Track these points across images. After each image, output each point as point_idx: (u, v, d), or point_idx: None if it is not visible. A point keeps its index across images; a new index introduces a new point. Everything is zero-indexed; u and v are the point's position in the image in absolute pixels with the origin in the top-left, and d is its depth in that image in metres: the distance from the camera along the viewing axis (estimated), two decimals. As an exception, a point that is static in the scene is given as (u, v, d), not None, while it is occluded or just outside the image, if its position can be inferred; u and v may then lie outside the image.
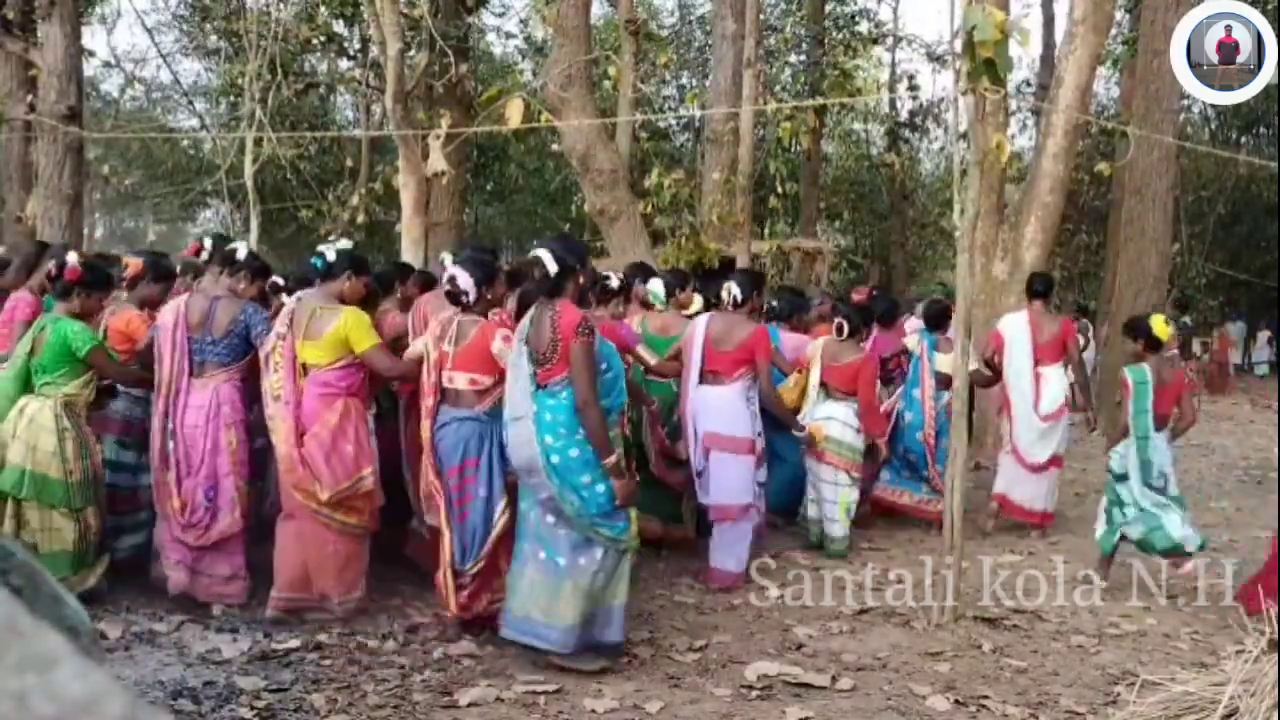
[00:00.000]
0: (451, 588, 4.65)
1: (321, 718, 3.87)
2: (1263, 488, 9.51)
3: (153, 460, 5.10)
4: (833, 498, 6.50)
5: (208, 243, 6.06)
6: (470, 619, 4.74)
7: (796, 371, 6.85)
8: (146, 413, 5.25)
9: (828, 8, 19.98)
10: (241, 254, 5.32)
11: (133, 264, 5.78)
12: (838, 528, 6.50)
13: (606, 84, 14.39)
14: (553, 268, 4.41)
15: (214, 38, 17.61)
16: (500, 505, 4.65)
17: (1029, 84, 22.22)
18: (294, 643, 4.64)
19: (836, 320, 6.79)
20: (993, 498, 7.46)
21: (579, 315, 4.41)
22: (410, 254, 9.61)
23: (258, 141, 11.05)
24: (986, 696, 4.27)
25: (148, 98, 22.06)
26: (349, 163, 17.45)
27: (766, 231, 16.62)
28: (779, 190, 13.67)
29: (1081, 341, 8.42)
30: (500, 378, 4.64)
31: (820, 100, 15.74)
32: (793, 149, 16.59)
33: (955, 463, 5.26)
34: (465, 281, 4.74)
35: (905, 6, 29.50)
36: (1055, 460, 7.43)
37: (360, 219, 13.93)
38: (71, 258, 5.12)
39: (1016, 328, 7.40)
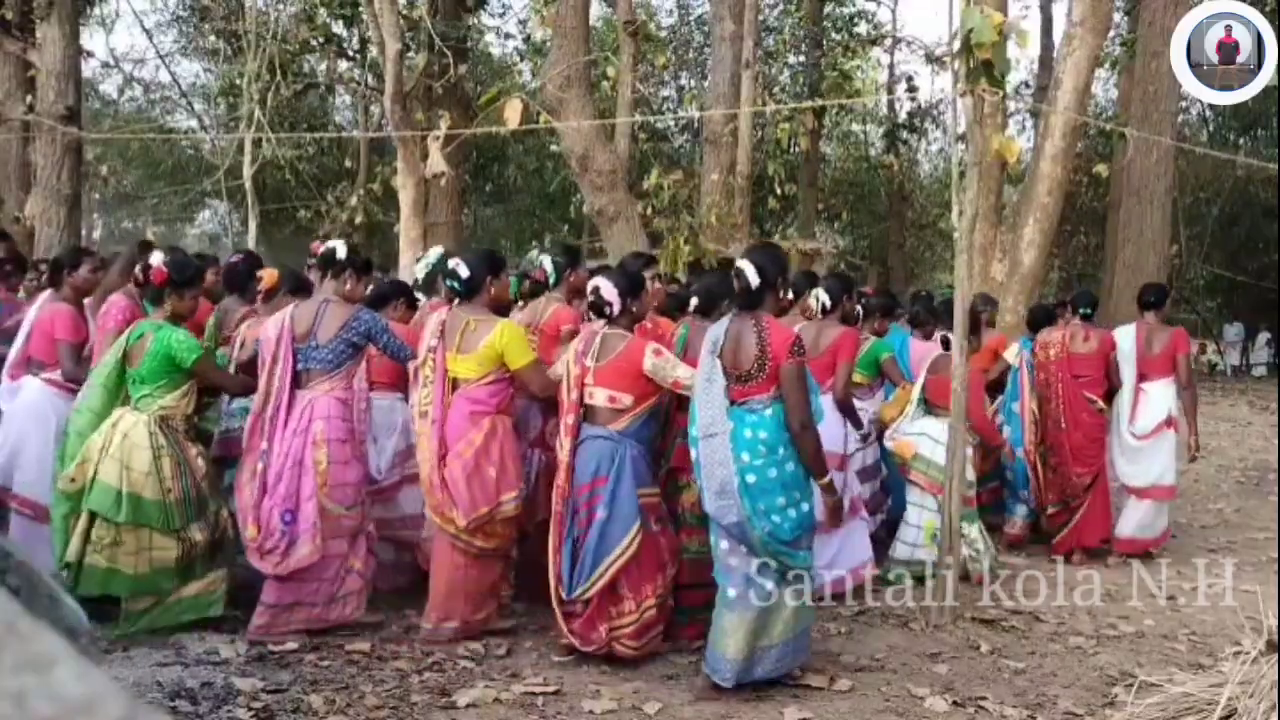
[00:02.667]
0: (560, 616, 4.42)
1: (319, 718, 3.87)
2: (1261, 489, 9.52)
3: (239, 481, 4.78)
4: (917, 521, 6.00)
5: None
6: (592, 650, 4.43)
7: (901, 387, 6.38)
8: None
9: (826, 9, 20.02)
10: (341, 253, 4.93)
11: (268, 275, 5.55)
12: (923, 552, 5.90)
13: (605, 85, 14.40)
14: (755, 280, 4.17)
15: (213, 38, 17.63)
16: (630, 529, 4.34)
17: (1027, 85, 22.25)
18: (292, 644, 4.64)
19: (941, 334, 6.20)
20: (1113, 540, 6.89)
21: (792, 334, 4.18)
22: (408, 255, 9.63)
23: (257, 142, 11.06)
24: (984, 698, 4.27)
25: (146, 98, 22.05)
26: (348, 163, 17.49)
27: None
28: (777, 191, 13.69)
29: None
30: (642, 398, 4.46)
31: (819, 102, 15.76)
32: (791, 150, 16.63)
33: (954, 463, 5.26)
34: (609, 292, 4.49)
35: (904, 8, 29.51)
36: (1165, 490, 6.83)
37: (359, 220, 13.96)
38: (156, 258, 4.77)
39: (1124, 339, 6.93)
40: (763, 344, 4.11)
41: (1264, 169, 16.71)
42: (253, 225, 11.24)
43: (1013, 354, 7.09)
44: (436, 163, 9.55)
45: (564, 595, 4.41)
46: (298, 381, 4.80)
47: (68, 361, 5.27)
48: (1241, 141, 22.39)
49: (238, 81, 13.34)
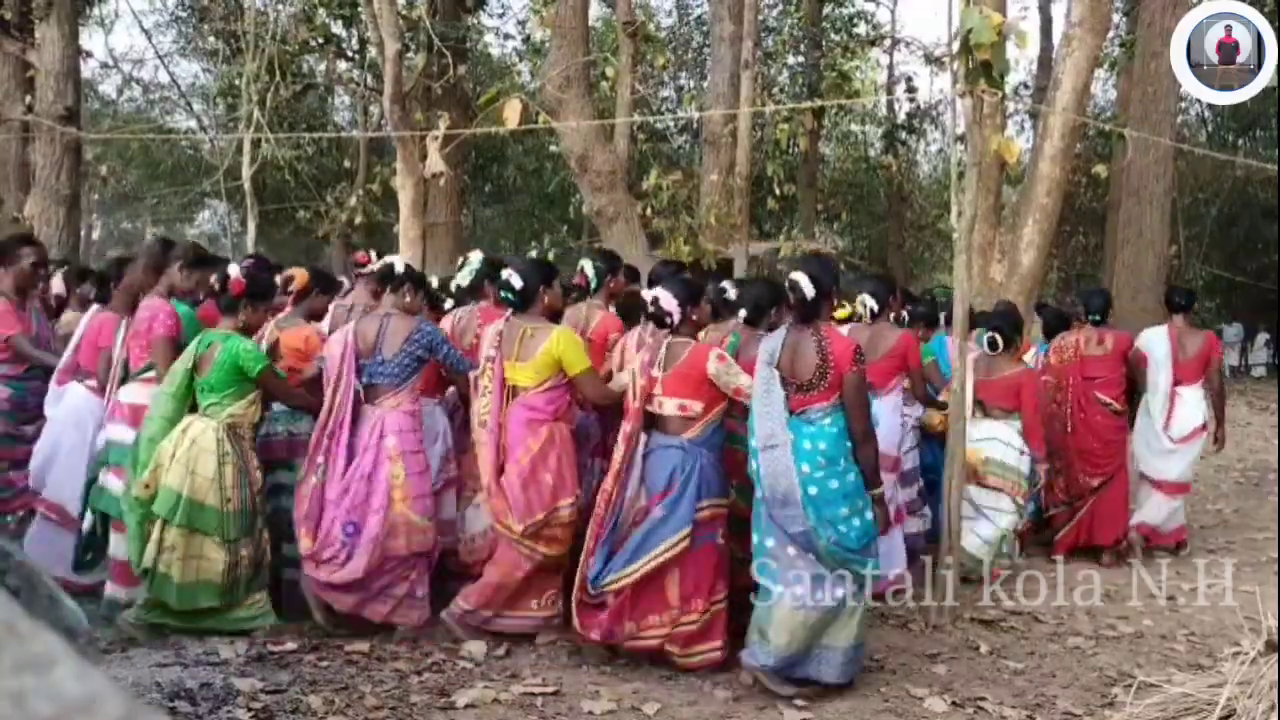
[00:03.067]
0: (577, 609, 4.45)
1: (319, 719, 3.87)
2: (1260, 489, 9.51)
3: (299, 492, 4.82)
4: (991, 522, 6.03)
5: (373, 256, 6.01)
6: (612, 641, 4.47)
7: (946, 390, 6.31)
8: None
9: (825, 10, 20.01)
10: (399, 268, 5.03)
11: (299, 276, 5.55)
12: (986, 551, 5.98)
13: (604, 85, 14.39)
14: (810, 292, 4.22)
15: (212, 39, 17.63)
16: (680, 531, 4.33)
17: (1026, 86, 22.25)
18: (291, 644, 4.64)
19: (988, 335, 6.26)
20: (1132, 528, 6.94)
21: (853, 344, 4.25)
22: (408, 255, 9.62)
23: (256, 143, 11.06)
24: (983, 698, 4.28)
25: (145, 99, 22.04)
26: (347, 164, 17.47)
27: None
28: (777, 192, 13.69)
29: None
30: (711, 404, 4.45)
31: (818, 102, 15.77)
32: (790, 150, 16.62)
33: (953, 465, 5.26)
34: (669, 303, 4.51)
35: (903, 9, 29.52)
36: (1182, 485, 6.98)
37: (358, 220, 13.95)
38: (234, 269, 4.80)
39: (1158, 344, 6.98)
40: (824, 354, 4.16)
41: (1263, 169, 16.72)
42: (252, 226, 11.25)
43: (1030, 357, 7.17)
44: (435, 163, 9.54)
45: (589, 588, 4.39)
46: (363, 397, 4.84)
47: (106, 369, 5.26)
48: (1240, 142, 22.39)
49: (237, 82, 13.33)
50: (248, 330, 4.80)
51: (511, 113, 8.32)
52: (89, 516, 4.99)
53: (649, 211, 10.88)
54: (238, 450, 4.66)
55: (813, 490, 4.06)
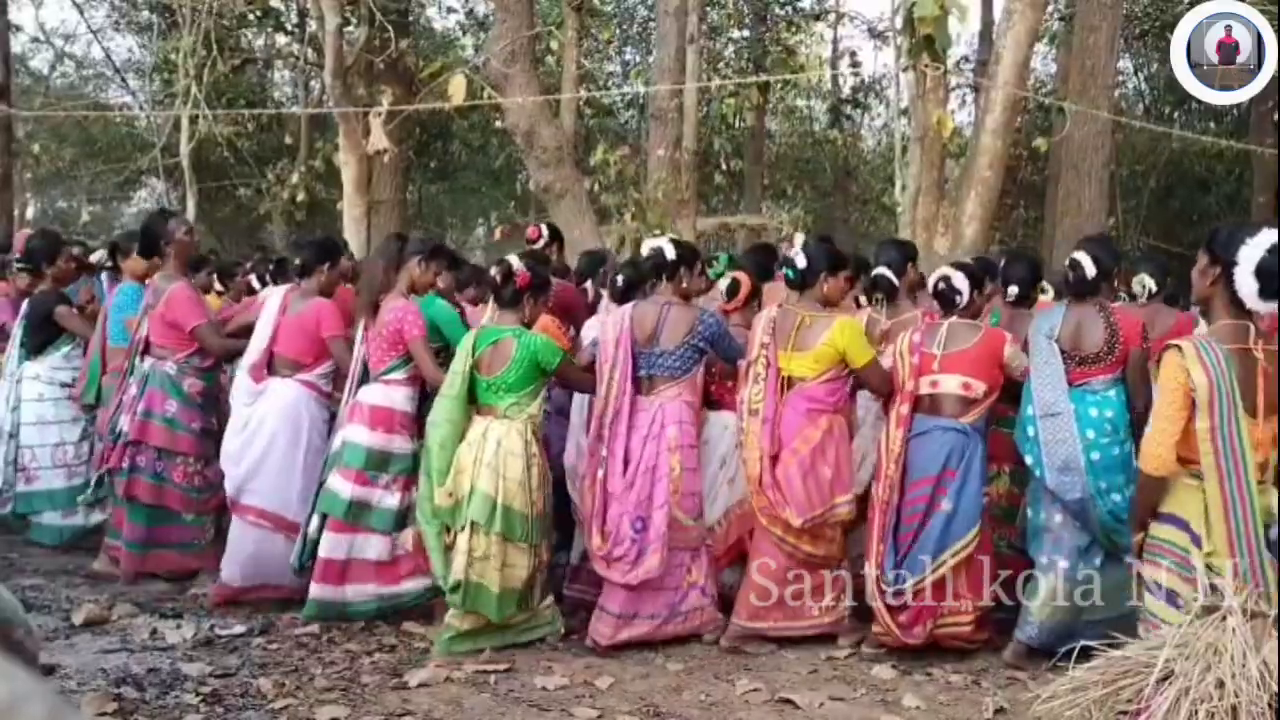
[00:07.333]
0: (883, 608, 4.28)
1: (269, 702, 3.84)
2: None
3: (581, 488, 4.68)
4: None
5: (545, 229, 5.82)
6: (910, 643, 4.34)
7: None
8: (561, 432, 5.00)
9: (770, -17, 19.98)
10: (671, 254, 4.69)
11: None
12: None
13: (550, 60, 14.27)
14: (1091, 271, 4.39)
15: (146, 12, 17.22)
16: (974, 526, 4.30)
17: (968, 60, 22.41)
18: (239, 628, 4.60)
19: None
20: None
21: (1139, 320, 4.44)
22: (351, 233, 9.51)
23: (193, 119, 10.85)
24: (930, 665, 4.35)
25: (79, 74, 21.49)
26: (288, 140, 17.18)
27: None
28: (724, 167, 13.70)
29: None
30: (992, 389, 4.44)
31: (764, 77, 15.79)
32: (737, 125, 16.61)
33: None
34: (961, 282, 4.53)
35: (847, -18, 29.57)
36: None
37: (301, 197, 13.76)
38: (516, 262, 4.56)
39: None
40: (1113, 329, 4.32)
41: (1197, 141, 17.04)
42: (191, 204, 11.05)
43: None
44: (379, 139, 9.43)
45: (894, 584, 4.27)
46: (639, 386, 4.61)
47: (345, 354, 4.97)
48: (1176, 115, 22.77)
49: (173, 57, 13.04)
50: (530, 323, 4.58)
51: (456, 88, 8.24)
52: (314, 520, 4.75)
53: (597, 187, 10.82)
54: (540, 451, 4.52)
55: (1095, 456, 4.18)
